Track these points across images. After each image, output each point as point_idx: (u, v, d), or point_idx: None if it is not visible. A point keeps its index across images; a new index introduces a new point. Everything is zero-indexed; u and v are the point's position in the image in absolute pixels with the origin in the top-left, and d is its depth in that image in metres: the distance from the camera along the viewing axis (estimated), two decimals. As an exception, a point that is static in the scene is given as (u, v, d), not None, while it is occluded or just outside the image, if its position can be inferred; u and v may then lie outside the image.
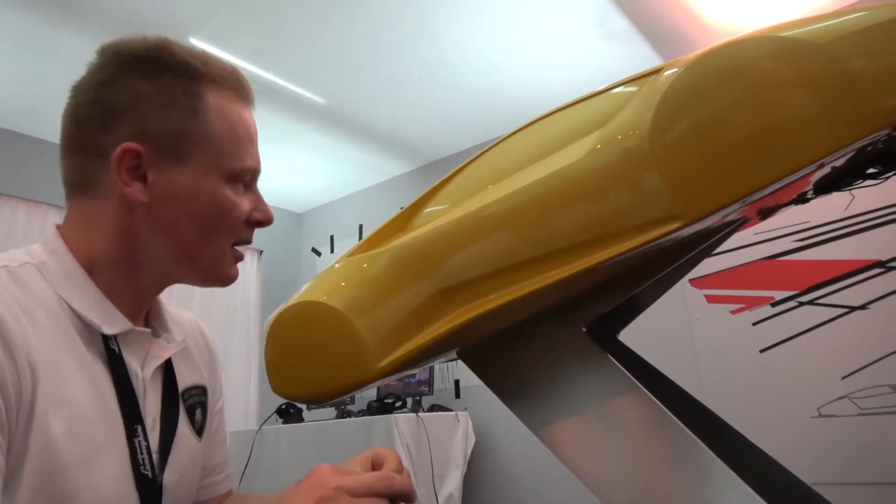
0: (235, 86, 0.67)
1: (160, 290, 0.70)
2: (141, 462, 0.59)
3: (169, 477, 0.63)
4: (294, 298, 0.90)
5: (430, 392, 3.31)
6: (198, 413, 0.74)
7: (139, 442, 0.59)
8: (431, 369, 3.35)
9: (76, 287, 0.59)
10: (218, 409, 0.83)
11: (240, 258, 0.69)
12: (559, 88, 3.19)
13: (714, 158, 0.61)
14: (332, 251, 4.34)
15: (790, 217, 2.64)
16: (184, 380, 0.72)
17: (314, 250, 4.37)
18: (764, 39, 0.62)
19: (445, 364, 3.61)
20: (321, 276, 0.92)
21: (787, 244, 2.66)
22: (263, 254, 4.54)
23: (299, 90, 3.22)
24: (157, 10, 2.56)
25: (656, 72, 0.68)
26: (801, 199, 0.81)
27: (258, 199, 0.70)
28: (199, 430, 0.73)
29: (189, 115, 0.62)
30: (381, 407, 3.19)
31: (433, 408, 3.34)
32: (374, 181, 4.44)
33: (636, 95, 0.68)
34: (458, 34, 2.83)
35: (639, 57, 2.95)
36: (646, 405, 0.72)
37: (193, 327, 0.82)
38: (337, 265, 0.92)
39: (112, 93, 0.62)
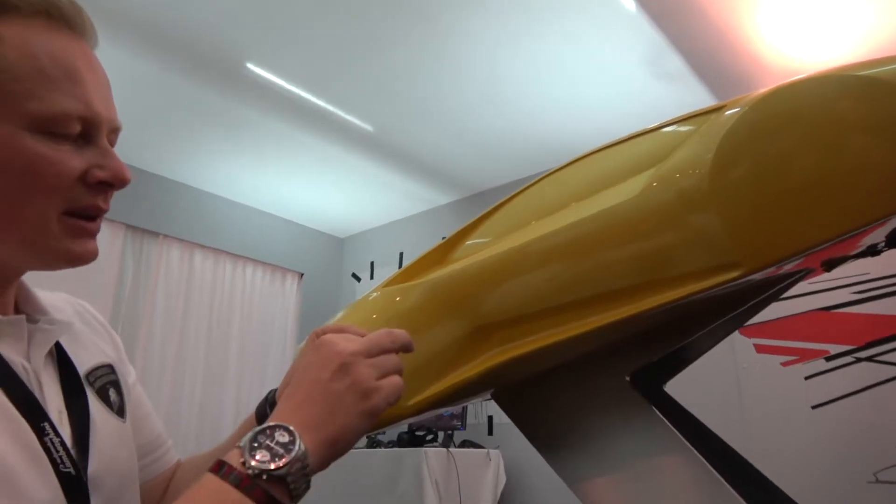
0: (45, 9, 0.53)
1: (9, 276, 0.58)
2: (59, 461, 0.52)
3: (96, 468, 0.57)
4: (327, 325, 0.88)
5: (463, 427, 3.24)
6: (112, 393, 0.66)
7: (51, 440, 0.52)
8: (464, 405, 3.29)
9: None
10: (133, 384, 0.75)
11: (87, 231, 0.55)
12: (609, 126, 3.16)
13: (780, 204, 0.56)
14: (371, 277, 4.34)
15: (848, 268, 2.51)
16: (83, 362, 0.64)
17: (354, 275, 4.39)
18: (836, 78, 0.58)
19: (479, 399, 3.54)
20: (354, 306, 0.89)
21: (845, 296, 2.53)
22: (304, 276, 4.58)
23: (348, 117, 3.27)
24: (217, 36, 2.65)
25: (716, 110, 0.64)
26: (872, 252, 0.75)
27: (105, 155, 0.55)
28: (119, 411, 0.66)
29: None
30: (412, 439, 3.14)
31: (464, 443, 3.26)
32: (417, 210, 4.45)
33: (694, 134, 0.64)
34: (508, 68, 2.83)
35: (693, 96, 2.89)
36: (695, 467, 0.66)
37: (77, 307, 0.73)
38: (372, 295, 0.89)
39: None
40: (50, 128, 0.51)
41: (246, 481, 0.43)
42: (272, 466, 0.44)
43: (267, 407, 0.68)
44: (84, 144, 0.54)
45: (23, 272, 0.59)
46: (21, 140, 0.50)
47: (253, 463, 0.44)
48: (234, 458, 0.45)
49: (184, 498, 0.43)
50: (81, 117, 0.53)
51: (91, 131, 0.54)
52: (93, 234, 0.56)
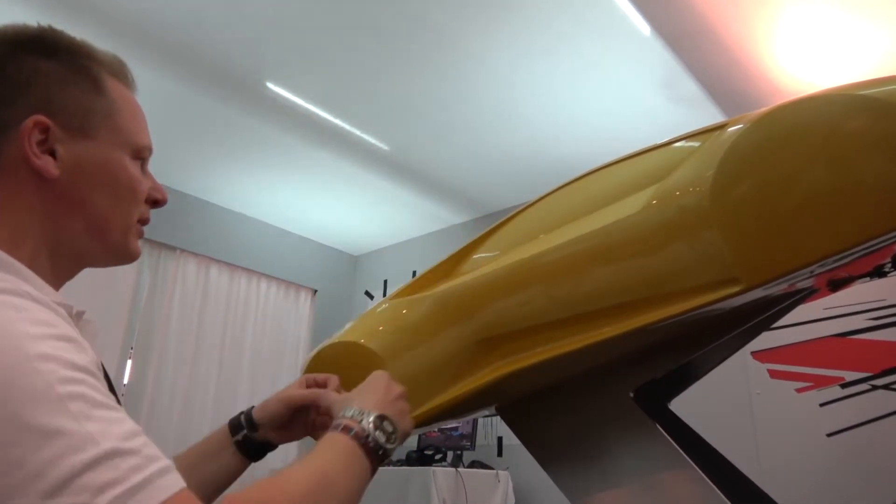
0: (124, 72, 0.69)
1: (72, 275, 0.68)
2: None
3: None
4: (335, 337, 0.89)
5: (472, 447, 3.21)
6: None
7: None
8: (475, 424, 3.27)
9: (35, 280, 0.57)
10: None
11: (142, 235, 0.70)
12: (623, 148, 3.14)
13: (780, 221, 0.57)
14: (384, 295, 4.35)
15: (865, 293, 2.48)
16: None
17: (367, 293, 4.40)
18: (840, 97, 0.59)
19: (489, 419, 3.51)
20: (364, 317, 0.91)
21: (861, 322, 2.50)
22: (317, 293, 4.60)
23: (365, 136, 3.31)
24: (238, 56, 2.71)
25: (719, 128, 0.65)
26: (878, 273, 0.75)
27: (153, 180, 0.71)
28: None
29: (94, 93, 0.64)
30: (421, 458, 3.12)
31: (473, 464, 3.24)
32: (431, 229, 4.47)
33: (697, 151, 0.65)
34: (523, 90, 2.86)
35: (707, 120, 2.88)
36: (695, 483, 0.66)
37: None
38: (381, 307, 0.91)
39: (10, 69, 0.61)
40: (140, 155, 0.67)
41: (367, 447, 0.61)
42: (388, 446, 0.63)
43: (242, 419, 0.80)
44: (143, 171, 0.69)
45: (85, 267, 0.69)
46: (126, 163, 0.65)
47: (375, 437, 0.62)
48: (355, 428, 0.62)
49: (324, 443, 0.60)
50: (150, 149, 0.69)
51: (146, 161, 0.70)
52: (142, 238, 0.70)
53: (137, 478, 0.40)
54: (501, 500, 3.03)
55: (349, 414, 0.63)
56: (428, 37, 2.56)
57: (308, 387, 0.81)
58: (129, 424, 0.44)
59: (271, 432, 0.79)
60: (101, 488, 0.39)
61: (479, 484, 2.96)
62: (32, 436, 0.39)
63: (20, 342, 0.44)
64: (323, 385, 0.80)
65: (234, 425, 0.79)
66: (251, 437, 0.78)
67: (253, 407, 0.81)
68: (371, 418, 0.63)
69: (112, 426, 0.42)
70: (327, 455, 0.59)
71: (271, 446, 0.80)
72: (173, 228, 3.83)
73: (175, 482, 0.42)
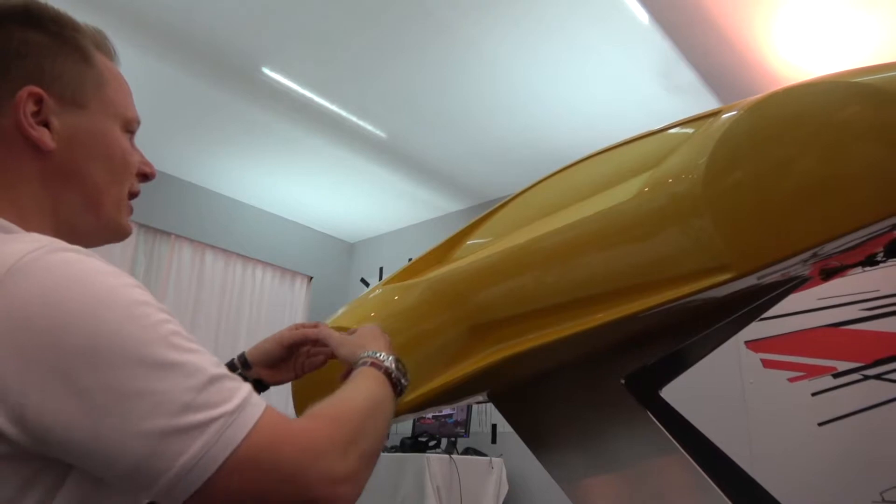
0: (106, 45, 0.68)
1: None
2: None
3: None
4: (327, 322, 0.89)
5: (466, 434, 3.23)
6: None
7: None
8: (469, 411, 3.28)
9: None
10: None
11: (131, 212, 0.70)
12: (620, 136, 3.14)
13: (773, 208, 0.57)
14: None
15: (858, 284, 2.49)
16: None
17: (363, 281, 4.40)
18: (835, 85, 0.58)
19: (484, 406, 3.53)
20: (355, 303, 0.91)
21: (854, 312, 2.51)
22: (313, 280, 4.60)
23: (362, 123, 3.29)
24: (234, 41, 2.68)
25: (713, 115, 0.65)
26: (870, 262, 0.76)
27: (140, 154, 0.71)
28: None
29: (83, 63, 0.63)
30: (415, 445, 3.13)
31: (467, 451, 3.25)
32: (427, 217, 4.46)
33: (690, 138, 0.65)
34: (521, 78, 2.84)
35: (704, 109, 2.88)
36: (684, 470, 0.67)
37: None
38: (373, 293, 0.91)
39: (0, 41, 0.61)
40: (129, 127, 0.67)
41: (392, 383, 0.67)
42: (404, 383, 0.68)
43: (236, 360, 0.85)
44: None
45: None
46: (118, 136, 0.65)
47: (398, 375, 0.68)
48: (383, 366, 0.68)
49: (361, 374, 0.65)
50: (138, 122, 0.69)
51: (134, 134, 0.69)
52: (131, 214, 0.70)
53: (241, 394, 0.48)
54: (495, 487, 3.05)
55: (371, 355, 0.69)
56: (425, 24, 2.55)
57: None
58: (210, 354, 0.51)
59: (263, 370, 0.85)
60: (218, 403, 0.46)
61: (473, 471, 2.98)
62: (151, 370, 0.46)
63: (116, 292, 0.48)
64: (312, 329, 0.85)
65: (228, 366, 0.83)
66: (245, 376, 0.83)
67: (241, 354, 0.86)
68: (391, 359, 0.69)
69: (205, 356, 0.49)
70: (370, 383, 0.65)
71: (263, 386, 0.85)
72: (168, 214, 3.82)
73: (261, 400, 0.51)
